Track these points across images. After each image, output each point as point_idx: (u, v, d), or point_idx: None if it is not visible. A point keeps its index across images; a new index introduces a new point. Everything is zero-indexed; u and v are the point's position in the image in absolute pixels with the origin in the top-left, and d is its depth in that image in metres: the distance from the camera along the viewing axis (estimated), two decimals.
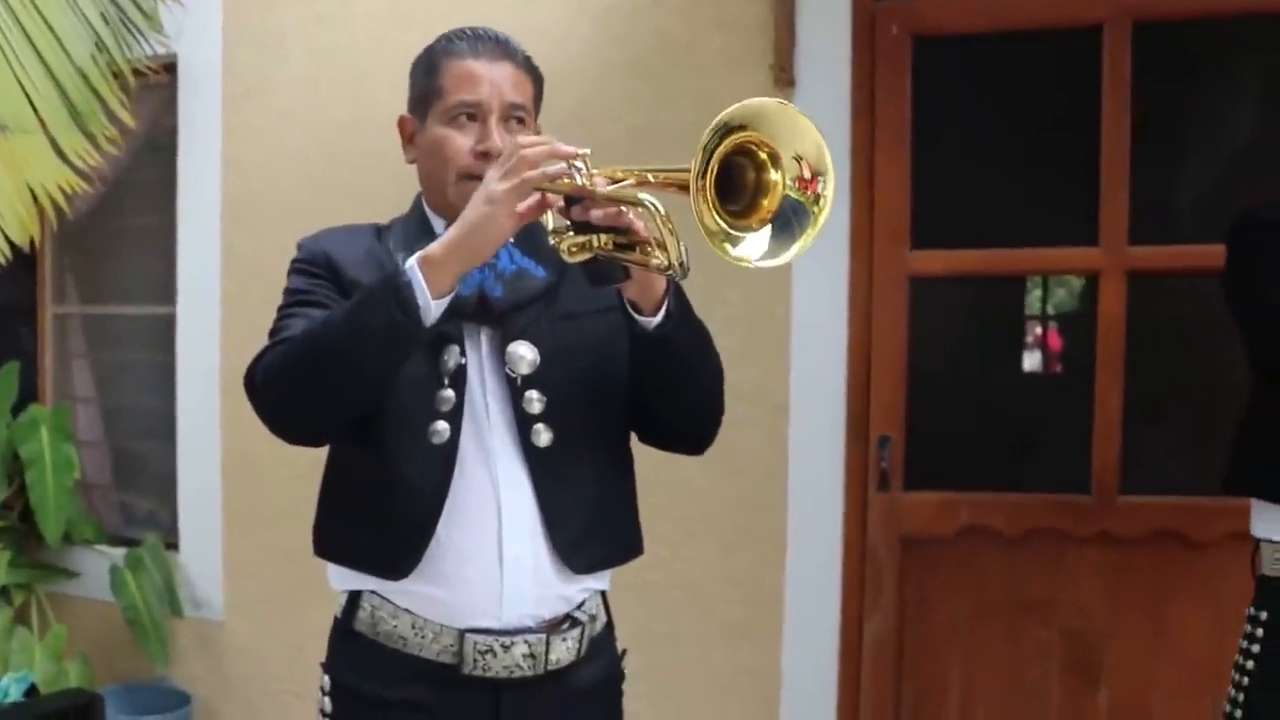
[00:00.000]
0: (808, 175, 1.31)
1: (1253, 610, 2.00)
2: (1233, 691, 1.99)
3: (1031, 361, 2.87)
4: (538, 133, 1.63)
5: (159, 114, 3.49)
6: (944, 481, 2.75)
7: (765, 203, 1.31)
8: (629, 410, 1.63)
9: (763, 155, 1.30)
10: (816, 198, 1.31)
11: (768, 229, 1.31)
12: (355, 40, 3.21)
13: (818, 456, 2.79)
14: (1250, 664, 1.97)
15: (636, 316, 1.49)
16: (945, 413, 2.80)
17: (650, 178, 1.35)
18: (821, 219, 1.31)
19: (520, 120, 1.60)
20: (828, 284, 2.77)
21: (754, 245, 1.31)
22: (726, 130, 1.25)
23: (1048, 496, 2.71)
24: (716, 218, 1.27)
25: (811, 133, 1.31)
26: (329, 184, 3.20)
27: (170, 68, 3.36)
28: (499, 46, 1.62)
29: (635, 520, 1.71)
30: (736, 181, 1.31)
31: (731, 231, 1.29)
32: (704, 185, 1.25)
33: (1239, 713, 1.98)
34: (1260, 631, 1.97)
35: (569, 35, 3.01)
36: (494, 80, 1.59)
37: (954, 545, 2.74)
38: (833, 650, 2.82)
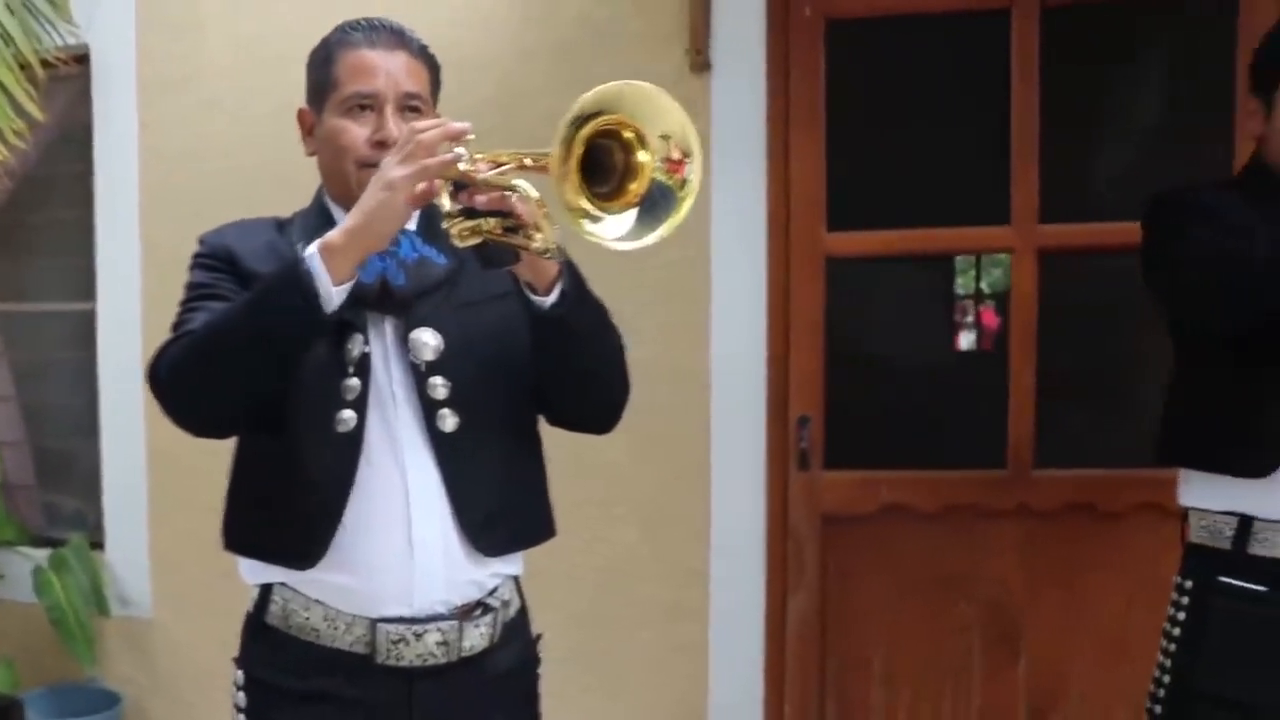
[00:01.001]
0: (676, 156, 1.33)
1: (1179, 578, 2.05)
2: (1161, 657, 2.05)
3: (967, 341, 2.91)
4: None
5: (72, 106, 3.43)
6: (864, 460, 2.79)
7: (633, 186, 1.33)
8: (534, 393, 1.64)
9: (628, 136, 1.32)
10: (683, 182, 1.33)
11: (633, 212, 1.33)
12: (278, 26, 3.17)
13: (739, 436, 2.82)
14: (1177, 630, 2.02)
15: (532, 298, 1.50)
16: (865, 392, 2.84)
17: (528, 161, 1.37)
18: (686, 205, 1.34)
19: (416, 109, 1.61)
20: (747, 265, 2.79)
21: (614, 226, 1.32)
22: (582, 119, 1.27)
23: (965, 473, 2.76)
24: (580, 198, 1.29)
25: (674, 111, 1.34)
26: (253, 174, 3.16)
27: (82, 59, 3.30)
28: (394, 36, 1.63)
29: (545, 502, 1.72)
30: (606, 164, 1.33)
31: (591, 210, 1.30)
32: (566, 171, 1.27)
33: (1167, 678, 2.03)
34: (1186, 599, 2.02)
35: (488, 19, 3.01)
36: (389, 70, 1.60)
37: (874, 522, 2.78)
38: (758, 628, 2.85)
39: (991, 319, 3.04)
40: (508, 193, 1.38)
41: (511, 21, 3.00)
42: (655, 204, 1.34)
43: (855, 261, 2.80)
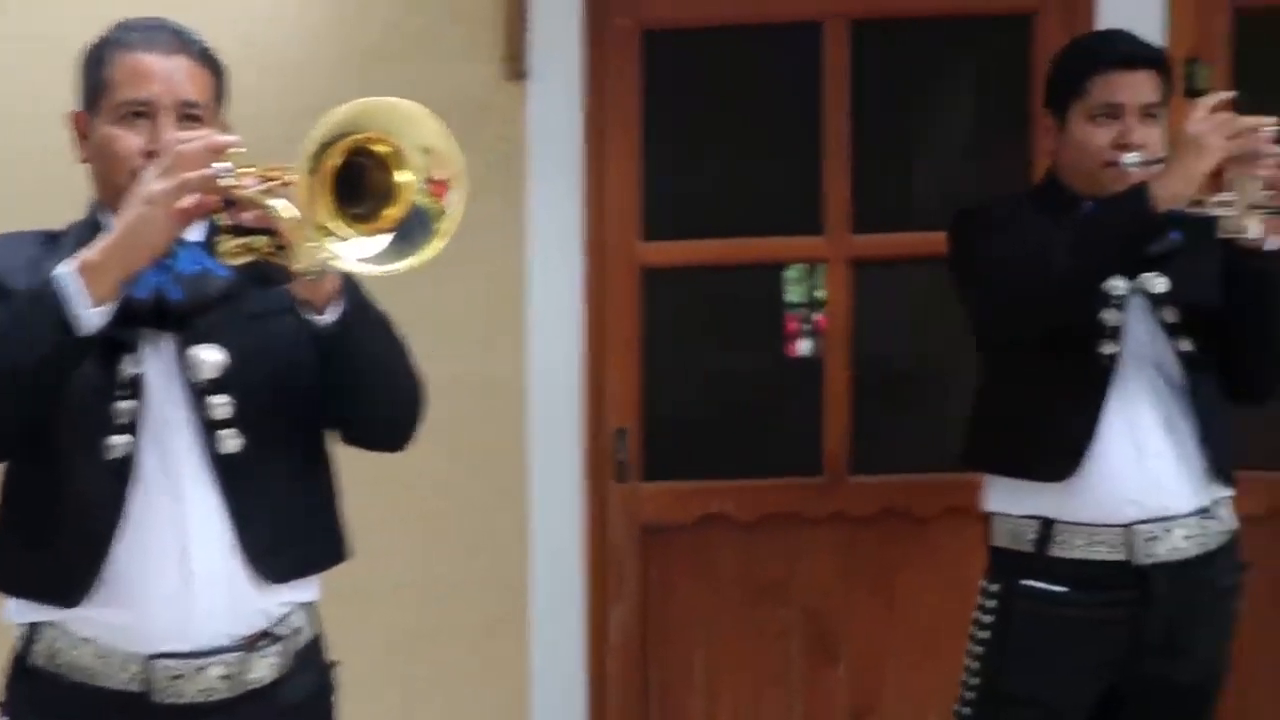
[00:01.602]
0: (438, 177, 1.29)
1: (984, 582, 2.11)
2: (968, 660, 2.10)
3: (804, 349, 2.91)
4: (224, 129, 1.55)
5: None
6: (683, 471, 2.80)
7: (391, 210, 1.28)
8: (323, 411, 1.58)
9: (385, 153, 1.28)
10: (442, 212, 1.29)
11: (388, 236, 1.28)
12: (59, 24, 2.98)
13: (557, 449, 2.78)
14: (984, 634, 2.08)
15: (309, 317, 1.44)
16: (685, 403, 2.84)
17: (290, 177, 1.31)
18: (441, 237, 1.29)
19: (196, 118, 1.52)
20: (563, 276, 2.76)
21: (362, 248, 1.28)
22: (332, 139, 1.22)
23: (781, 480, 2.79)
24: (329, 218, 1.24)
25: (428, 122, 1.30)
26: (12, 185, 2.96)
27: None
28: (174, 38, 1.54)
29: (337, 524, 1.65)
30: (364, 182, 1.28)
31: (339, 231, 1.26)
32: (315, 188, 1.21)
33: (975, 680, 2.08)
34: (992, 603, 2.08)
35: (296, 22, 2.90)
36: (166, 75, 1.51)
37: (693, 533, 2.78)
38: (580, 642, 2.82)
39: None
40: (271, 210, 1.32)
41: (321, 25, 2.90)
42: (412, 231, 1.29)
43: (678, 271, 2.79)
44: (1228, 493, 2.07)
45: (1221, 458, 2.03)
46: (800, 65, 2.78)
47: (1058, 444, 2.01)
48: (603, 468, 2.77)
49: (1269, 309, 1.98)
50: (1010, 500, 2.08)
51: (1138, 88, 2.01)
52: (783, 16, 2.73)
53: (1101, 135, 2.01)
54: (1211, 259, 1.97)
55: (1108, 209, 1.94)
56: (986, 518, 2.14)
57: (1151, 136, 2.01)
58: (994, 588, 2.08)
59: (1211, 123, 1.82)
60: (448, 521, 2.86)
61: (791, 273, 2.85)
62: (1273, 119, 1.82)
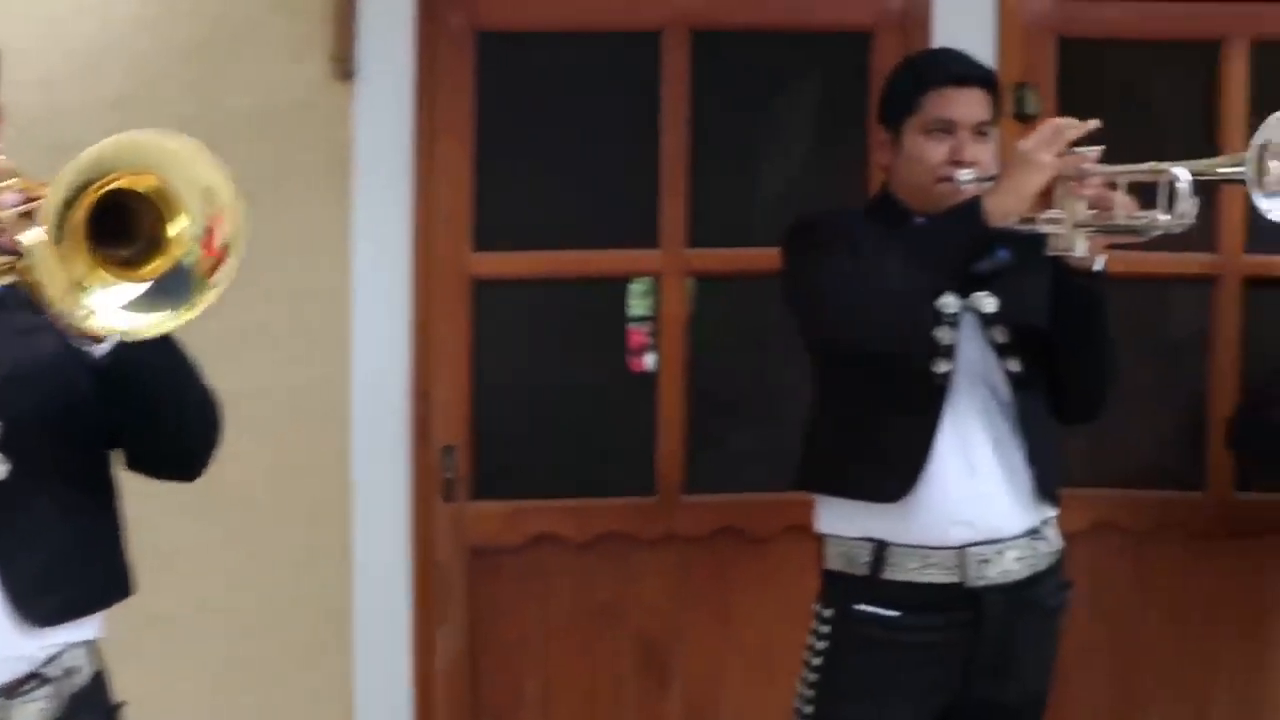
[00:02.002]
0: (219, 239, 1.18)
1: (818, 607, 2.07)
2: (801, 686, 2.06)
3: (649, 363, 2.83)
4: None
5: None
6: (513, 490, 2.70)
7: (156, 263, 1.17)
8: (103, 436, 1.45)
9: (154, 198, 1.16)
10: (210, 271, 1.18)
11: (142, 286, 1.17)
12: None
13: (383, 467, 2.66)
14: (818, 660, 2.04)
15: (82, 345, 1.32)
16: (516, 420, 2.74)
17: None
18: (201, 304, 1.19)
19: None
20: (390, 287, 2.64)
21: (122, 294, 1.16)
22: (91, 176, 1.10)
23: (615, 500, 2.72)
24: (86, 274, 1.12)
25: (206, 168, 1.18)
26: None
27: None
28: None
29: (118, 559, 1.52)
30: (130, 221, 1.16)
31: (92, 285, 1.13)
32: (65, 255, 1.09)
33: (809, 708, 2.05)
34: (826, 628, 2.04)
35: (111, 10, 2.72)
36: None
37: (524, 554, 2.69)
38: (406, 669, 2.70)
39: None
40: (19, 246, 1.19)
41: (140, 16, 2.73)
42: (174, 288, 1.18)
43: (511, 283, 2.70)
44: (1054, 512, 2.08)
45: (1049, 478, 2.04)
46: (639, 74, 2.71)
47: (891, 465, 1.98)
48: (430, 486, 2.65)
49: (1095, 329, 2.00)
50: (843, 522, 2.05)
51: (970, 105, 2.02)
52: (622, 24, 2.66)
53: (936, 151, 2.01)
54: (1041, 279, 1.98)
55: (940, 224, 1.93)
56: (819, 540, 2.10)
57: (983, 154, 2.02)
58: (827, 613, 2.05)
59: (1042, 139, 1.82)
60: (269, 543, 2.71)
61: (637, 286, 2.79)
62: (1096, 122, 1.83)
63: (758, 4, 2.75)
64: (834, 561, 2.07)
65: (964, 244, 1.88)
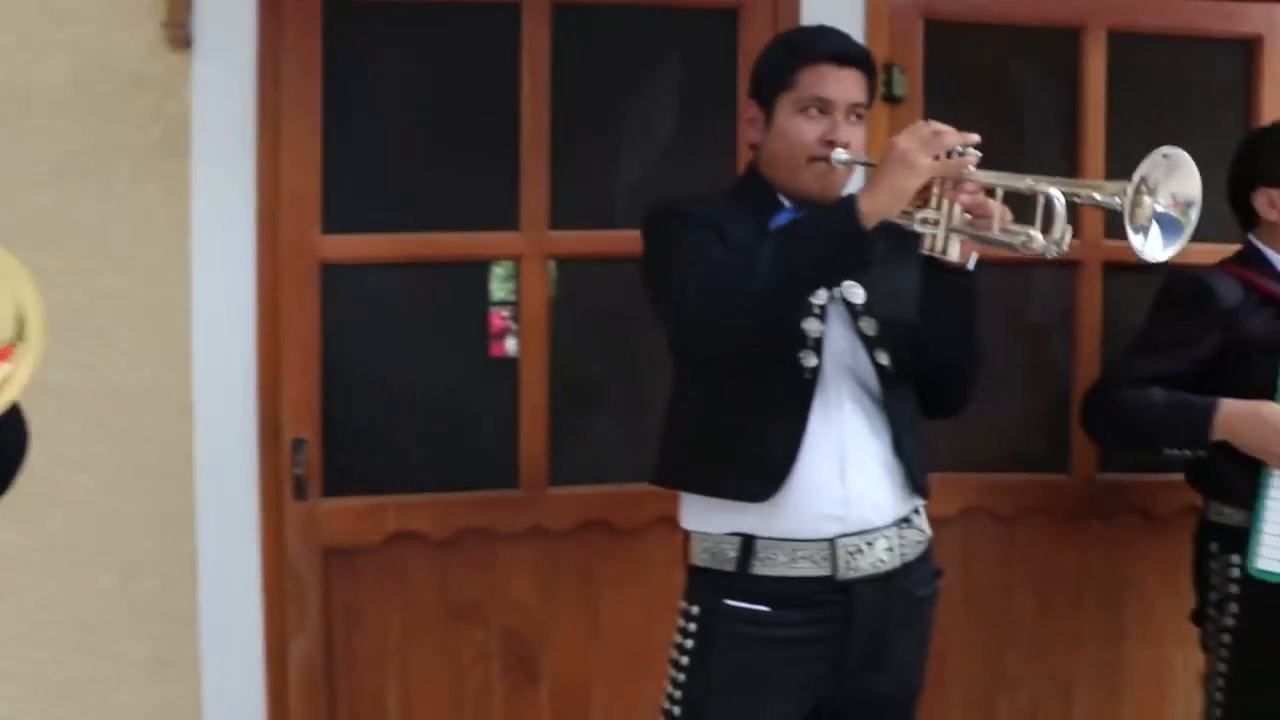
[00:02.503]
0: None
1: (684, 604, 2.00)
2: (670, 686, 1.99)
3: (510, 348, 2.70)
4: None
5: None
6: (368, 485, 2.55)
7: None
8: None
9: None
10: None
11: None
12: None
13: (228, 464, 2.49)
14: (685, 659, 1.97)
15: None
16: (372, 411, 2.59)
17: None
18: None
19: None
20: (233, 272, 2.47)
21: None
22: None
23: (477, 494, 2.59)
24: None
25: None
26: None
27: None
28: None
29: None
30: None
31: None
32: None
33: (677, 709, 1.98)
34: (694, 625, 1.97)
35: None
36: None
37: (382, 553, 2.54)
38: (258, 678, 2.54)
39: None
40: None
41: None
42: None
43: (363, 267, 2.55)
44: (923, 502, 2.05)
45: (919, 469, 2.00)
46: (498, 49, 2.58)
47: (759, 464, 1.91)
48: (280, 484, 2.50)
49: (964, 324, 1.98)
50: (708, 518, 1.98)
51: (848, 86, 1.97)
52: None
53: (810, 129, 1.96)
54: (911, 272, 1.95)
55: (813, 222, 1.84)
56: (685, 535, 2.03)
57: (858, 137, 1.98)
58: (695, 609, 1.98)
59: (921, 141, 1.76)
60: (105, 549, 2.53)
61: (499, 269, 2.66)
62: (976, 137, 1.78)
63: None
64: (700, 557, 2.00)
65: (839, 244, 1.79)
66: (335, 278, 2.52)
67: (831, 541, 1.92)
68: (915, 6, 2.69)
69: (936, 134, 1.76)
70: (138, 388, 2.50)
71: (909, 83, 2.66)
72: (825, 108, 1.96)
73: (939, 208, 1.81)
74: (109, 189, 2.51)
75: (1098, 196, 1.72)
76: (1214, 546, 2.31)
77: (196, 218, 2.47)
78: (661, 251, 1.93)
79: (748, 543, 1.93)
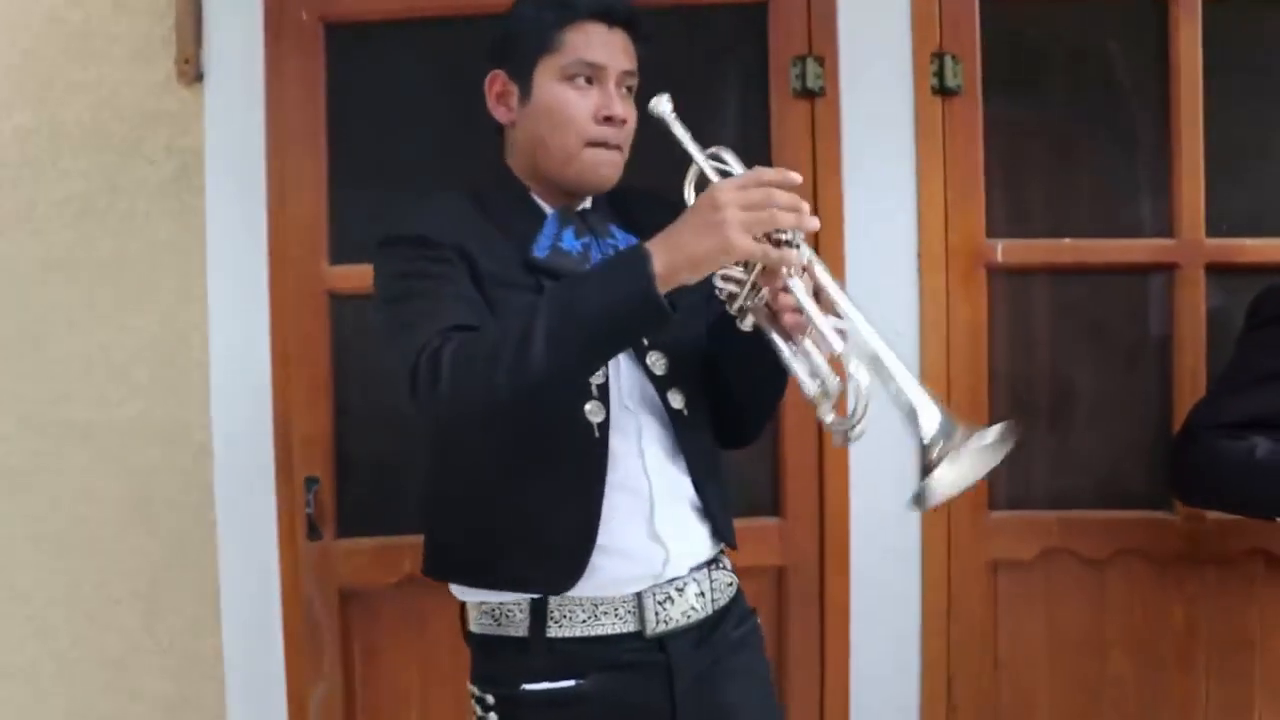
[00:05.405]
0: None
1: (474, 688, 1.73)
2: None
3: None
4: None
5: None
6: (383, 525, 2.43)
7: None
8: None
9: None
10: None
11: None
12: None
13: (248, 503, 2.42)
14: None
15: None
16: (384, 448, 2.49)
17: None
18: None
19: None
20: (247, 305, 2.41)
21: None
22: None
23: None
24: None
25: None
26: None
27: None
28: None
29: None
30: None
31: None
32: None
33: None
34: (494, 716, 1.70)
35: None
36: None
37: (398, 595, 2.43)
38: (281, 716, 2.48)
39: None
40: None
41: None
42: None
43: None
44: (725, 545, 1.77)
45: (720, 512, 1.73)
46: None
47: (554, 551, 1.62)
48: (295, 524, 2.42)
49: (755, 363, 1.63)
50: (490, 592, 1.69)
51: (618, 51, 1.65)
52: (475, 8, 2.34)
53: (582, 104, 1.63)
54: (701, 299, 1.66)
55: (598, 287, 1.45)
56: (460, 605, 1.77)
57: (633, 116, 1.67)
58: (489, 698, 1.68)
59: (745, 204, 1.39)
60: (128, 588, 2.54)
61: None
62: (816, 222, 1.41)
63: None
64: (481, 621, 1.70)
65: (628, 319, 1.44)
66: (346, 310, 2.43)
67: (637, 594, 1.65)
68: None
69: (767, 200, 1.39)
70: (160, 425, 2.51)
71: (965, 72, 2.36)
72: (595, 75, 1.64)
73: (746, 281, 1.50)
74: (128, 225, 2.52)
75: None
76: None
77: (211, 252, 2.42)
78: (397, 294, 1.58)
79: (539, 604, 1.65)
